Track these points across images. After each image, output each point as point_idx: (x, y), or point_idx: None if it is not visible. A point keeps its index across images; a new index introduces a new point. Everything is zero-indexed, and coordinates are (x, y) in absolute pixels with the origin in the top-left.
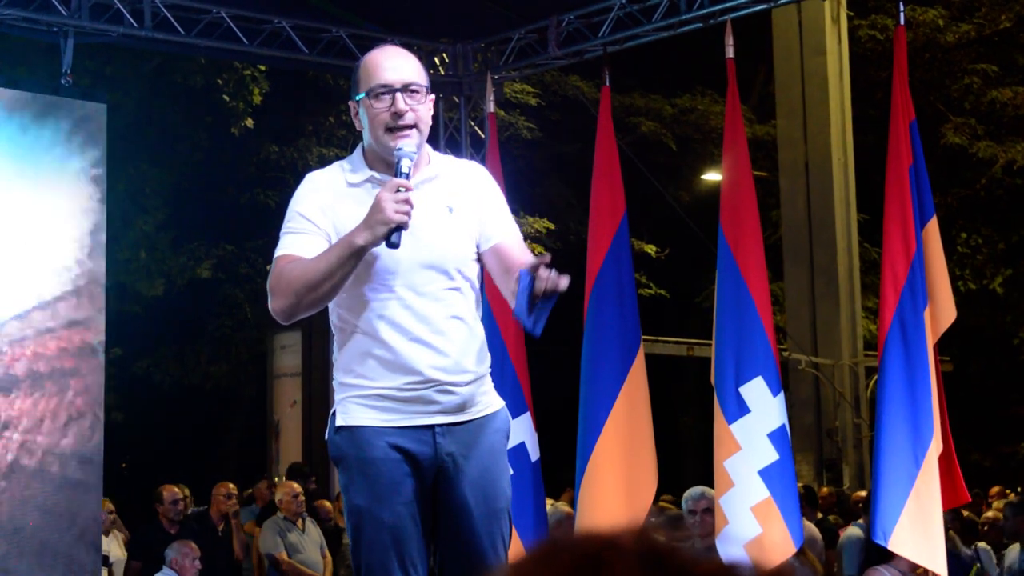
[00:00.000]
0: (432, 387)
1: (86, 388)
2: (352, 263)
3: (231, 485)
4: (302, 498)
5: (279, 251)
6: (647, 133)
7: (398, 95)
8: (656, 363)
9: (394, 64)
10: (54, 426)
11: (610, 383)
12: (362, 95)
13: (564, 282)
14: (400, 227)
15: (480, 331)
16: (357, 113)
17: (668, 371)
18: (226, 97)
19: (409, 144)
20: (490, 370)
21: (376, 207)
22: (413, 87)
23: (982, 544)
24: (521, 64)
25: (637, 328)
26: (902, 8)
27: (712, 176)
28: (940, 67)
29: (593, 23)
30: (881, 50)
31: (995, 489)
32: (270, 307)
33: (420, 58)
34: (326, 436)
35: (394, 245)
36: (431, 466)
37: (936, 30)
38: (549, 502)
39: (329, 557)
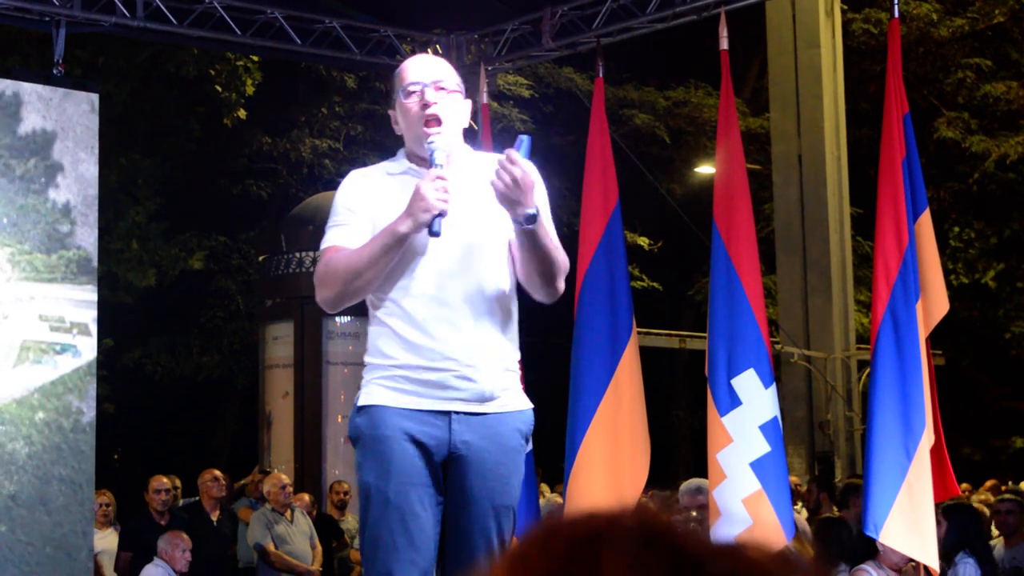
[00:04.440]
0: (450, 372)
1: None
2: (396, 251)
3: (217, 471)
4: (290, 489)
5: (324, 243)
6: (640, 125)
7: (426, 89)
8: (649, 355)
9: (423, 63)
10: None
11: (600, 373)
12: (398, 97)
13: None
14: (440, 214)
15: (512, 326)
16: (397, 121)
17: (661, 364)
18: (218, 88)
19: (440, 135)
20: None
21: (417, 195)
22: (441, 84)
23: None
24: (515, 56)
25: (629, 318)
26: (896, 2)
27: (705, 169)
28: (934, 61)
29: (587, 15)
30: (875, 44)
31: (990, 483)
32: (318, 297)
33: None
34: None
35: (435, 233)
36: (443, 452)
37: (930, 24)
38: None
39: (319, 548)
